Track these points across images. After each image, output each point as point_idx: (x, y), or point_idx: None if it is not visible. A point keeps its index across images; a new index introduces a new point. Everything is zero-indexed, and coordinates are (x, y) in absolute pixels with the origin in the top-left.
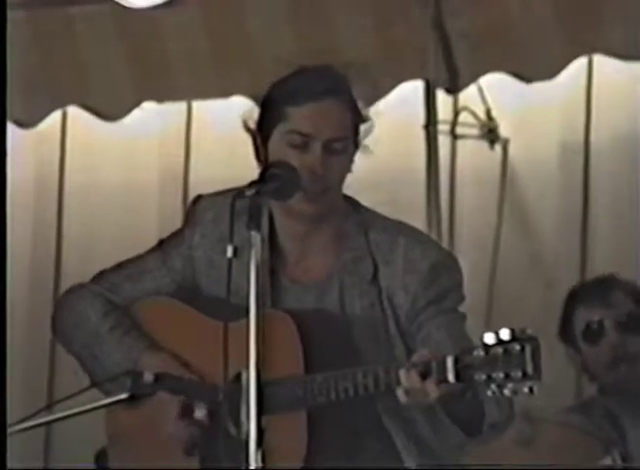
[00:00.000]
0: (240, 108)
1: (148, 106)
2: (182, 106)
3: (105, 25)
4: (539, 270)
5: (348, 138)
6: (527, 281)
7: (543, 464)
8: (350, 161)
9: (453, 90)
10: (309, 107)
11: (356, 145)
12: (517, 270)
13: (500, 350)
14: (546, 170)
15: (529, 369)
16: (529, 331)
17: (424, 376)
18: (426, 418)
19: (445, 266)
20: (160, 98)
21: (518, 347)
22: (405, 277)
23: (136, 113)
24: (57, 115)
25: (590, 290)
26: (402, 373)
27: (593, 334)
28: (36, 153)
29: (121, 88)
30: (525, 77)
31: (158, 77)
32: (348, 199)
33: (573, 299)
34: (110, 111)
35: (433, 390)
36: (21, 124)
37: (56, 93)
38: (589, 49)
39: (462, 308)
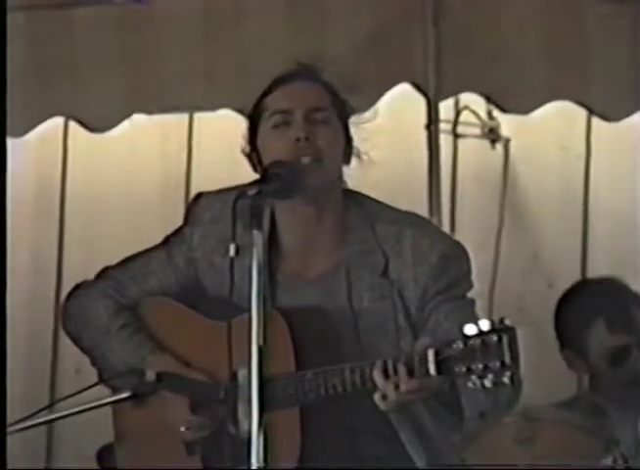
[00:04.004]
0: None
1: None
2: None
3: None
4: (540, 269)
5: (328, 111)
6: (528, 280)
7: (543, 464)
8: (336, 139)
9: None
10: (283, 89)
11: (348, 136)
12: (518, 269)
13: (478, 341)
14: (547, 170)
15: (507, 359)
16: (507, 321)
17: (387, 376)
18: (429, 412)
19: (454, 256)
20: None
21: (495, 337)
22: (415, 269)
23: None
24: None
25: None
26: (375, 374)
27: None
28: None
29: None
30: (501, 106)
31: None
32: (350, 193)
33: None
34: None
35: (391, 392)
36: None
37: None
38: (568, 97)
39: None
